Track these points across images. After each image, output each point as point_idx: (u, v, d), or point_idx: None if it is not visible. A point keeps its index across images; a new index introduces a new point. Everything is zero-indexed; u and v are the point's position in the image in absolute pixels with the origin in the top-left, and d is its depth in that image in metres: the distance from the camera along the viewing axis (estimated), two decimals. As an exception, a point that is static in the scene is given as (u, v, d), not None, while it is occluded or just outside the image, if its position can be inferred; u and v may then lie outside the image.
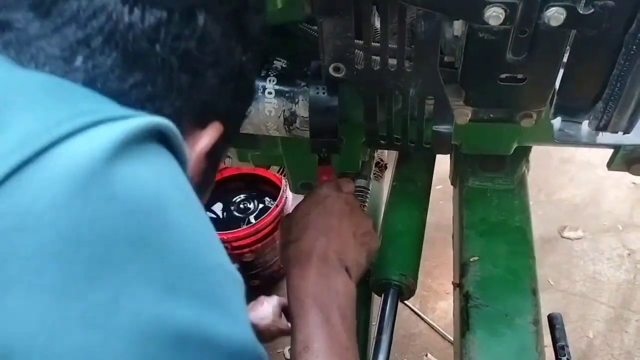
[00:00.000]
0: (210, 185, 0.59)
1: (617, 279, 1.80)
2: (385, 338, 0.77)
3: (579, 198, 2.03)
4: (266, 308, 1.51)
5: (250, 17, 0.52)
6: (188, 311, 0.35)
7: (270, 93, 0.72)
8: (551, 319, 0.69)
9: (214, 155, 0.52)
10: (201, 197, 0.53)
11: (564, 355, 0.69)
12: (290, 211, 0.75)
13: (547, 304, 1.73)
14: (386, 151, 1.17)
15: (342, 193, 0.74)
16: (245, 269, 1.70)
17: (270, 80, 0.73)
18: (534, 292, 0.78)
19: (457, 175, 0.96)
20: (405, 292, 0.84)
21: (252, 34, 0.53)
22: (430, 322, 1.73)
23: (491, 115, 0.78)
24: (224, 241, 1.50)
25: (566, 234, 1.92)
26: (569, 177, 2.11)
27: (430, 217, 1.92)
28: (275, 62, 0.75)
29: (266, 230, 1.63)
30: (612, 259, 1.85)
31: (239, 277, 0.41)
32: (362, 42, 0.63)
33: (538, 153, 2.18)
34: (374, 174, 1.13)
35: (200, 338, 0.35)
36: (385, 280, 0.83)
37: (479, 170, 0.92)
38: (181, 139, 0.40)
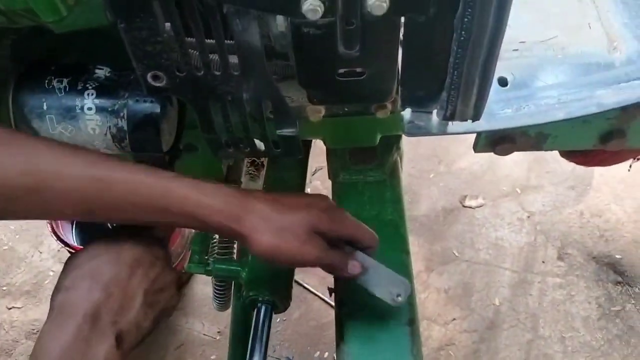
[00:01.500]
0: None
1: (518, 242, 1.83)
2: (256, 361, 0.70)
3: (477, 166, 2.05)
4: None
5: None
6: None
7: (90, 109, 0.64)
8: None
9: None
10: None
11: None
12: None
13: (453, 276, 1.75)
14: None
15: (148, 240, 0.63)
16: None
17: (88, 95, 0.64)
18: (409, 291, 0.74)
19: (331, 171, 0.91)
20: (279, 305, 0.78)
21: None
22: (342, 309, 1.71)
23: (346, 109, 0.73)
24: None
25: (467, 202, 1.94)
26: (467, 146, 2.10)
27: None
28: (97, 71, 0.67)
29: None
30: (513, 224, 1.88)
31: None
32: (176, 45, 0.56)
33: (436, 124, 2.20)
34: (250, 174, 1.06)
35: None
36: (255, 296, 0.76)
37: (349, 163, 0.87)
38: None
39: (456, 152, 2.11)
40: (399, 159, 0.91)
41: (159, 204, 0.56)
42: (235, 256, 0.89)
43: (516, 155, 2.06)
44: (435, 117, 0.65)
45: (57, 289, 0.59)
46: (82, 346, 0.54)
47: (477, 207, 1.93)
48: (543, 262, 1.77)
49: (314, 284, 1.75)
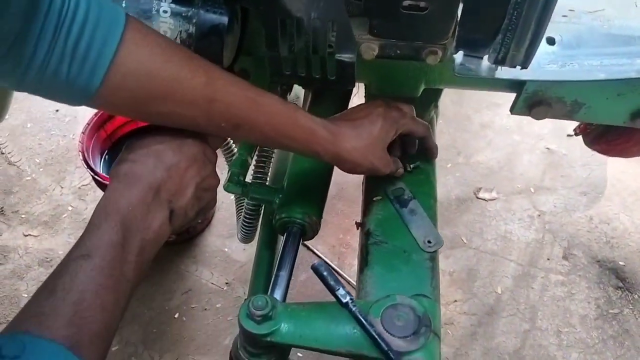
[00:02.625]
0: None
1: (526, 238, 1.87)
2: (284, 274, 0.75)
3: (494, 161, 2.09)
4: None
5: None
6: None
7: (165, 12, 0.68)
8: (315, 269, 0.67)
9: None
10: None
11: (350, 299, 0.65)
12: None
13: (459, 261, 1.79)
14: (301, 97, 1.15)
15: (204, 144, 0.69)
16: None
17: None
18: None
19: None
20: (309, 231, 0.82)
21: None
22: (348, 277, 1.75)
23: (398, 52, 0.77)
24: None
25: (481, 195, 1.98)
26: (486, 142, 2.16)
27: (353, 176, 1.95)
28: (174, -18, 0.71)
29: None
30: (523, 220, 1.92)
31: None
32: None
33: (459, 117, 2.24)
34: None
35: None
36: (287, 218, 0.81)
37: (388, 113, 0.91)
38: None
39: (475, 146, 2.15)
40: (435, 117, 0.95)
41: (287, 129, 0.68)
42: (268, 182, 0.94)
43: (534, 157, 2.11)
44: (485, 62, 0.69)
45: (121, 161, 0.64)
46: (144, 209, 0.60)
47: (490, 200, 1.97)
48: (548, 259, 1.80)
49: (322, 250, 1.79)
